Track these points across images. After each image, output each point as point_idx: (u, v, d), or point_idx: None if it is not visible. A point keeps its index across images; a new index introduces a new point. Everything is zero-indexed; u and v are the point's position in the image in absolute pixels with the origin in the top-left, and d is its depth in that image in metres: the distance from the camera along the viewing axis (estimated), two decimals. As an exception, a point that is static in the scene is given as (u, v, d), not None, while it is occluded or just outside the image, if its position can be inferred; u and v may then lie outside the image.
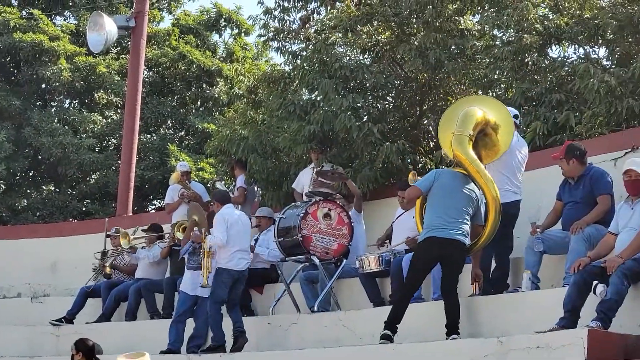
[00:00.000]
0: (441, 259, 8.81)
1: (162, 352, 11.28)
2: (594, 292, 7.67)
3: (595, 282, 7.69)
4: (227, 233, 10.69)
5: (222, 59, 22.01)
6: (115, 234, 13.75)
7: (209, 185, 13.99)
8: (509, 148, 9.22)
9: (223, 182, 14.33)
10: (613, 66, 11.44)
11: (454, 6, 12.78)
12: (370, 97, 13.09)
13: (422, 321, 9.16)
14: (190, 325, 11.48)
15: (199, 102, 21.55)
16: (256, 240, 12.23)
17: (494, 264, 9.38)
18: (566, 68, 11.71)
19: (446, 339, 8.68)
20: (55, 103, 21.69)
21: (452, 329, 8.68)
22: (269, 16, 14.22)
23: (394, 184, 11.82)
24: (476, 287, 9.33)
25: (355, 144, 12.08)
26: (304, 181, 12.24)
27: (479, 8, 12.72)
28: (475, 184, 8.92)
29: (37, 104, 21.10)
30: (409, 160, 12.33)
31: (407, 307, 8.90)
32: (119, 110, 21.00)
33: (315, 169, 12.13)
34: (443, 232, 8.66)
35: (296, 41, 14.13)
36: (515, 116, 9.56)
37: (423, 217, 9.15)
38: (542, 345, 7.59)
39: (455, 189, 8.78)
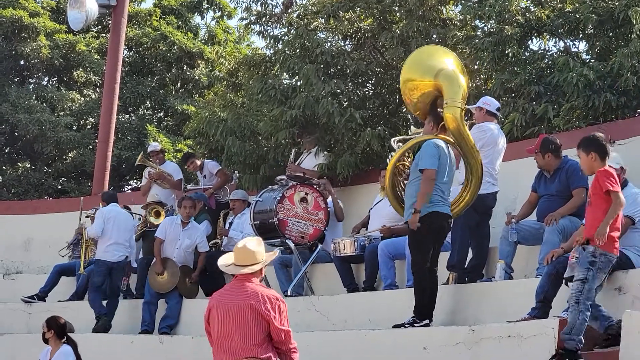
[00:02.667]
0: (438, 233, 8.67)
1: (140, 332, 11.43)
2: (566, 284, 7.72)
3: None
4: (103, 227, 11.84)
5: (203, 41, 21.94)
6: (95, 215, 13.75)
7: (182, 184, 13.94)
8: (493, 140, 9.23)
9: (192, 183, 14.38)
10: (592, 60, 11.51)
11: (437, -5, 12.80)
12: (350, 84, 13.10)
13: (395, 308, 9.19)
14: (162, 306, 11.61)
15: (179, 84, 21.48)
16: (230, 223, 12.23)
17: (470, 254, 9.42)
18: (546, 61, 11.76)
19: (413, 325, 8.64)
20: (34, 80, 21.56)
21: (422, 314, 8.66)
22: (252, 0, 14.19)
23: (373, 169, 11.85)
24: (453, 277, 9.37)
25: (336, 129, 12.09)
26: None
27: (461, -1, 12.76)
28: (465, 157, 8.81)
29: (15, 80, 20.96)
30: (388, 148, 12.36)
31: (429, 286, 8.62)
32: (97, 89, 20.90)
33: (304, 153, 12.18)
34: (443, 208, 8.56)
35: (278, 25, 14.11)
36: (498, 109, 9.59)
37: (395, 190, 9.00)
38: (514, 334, 7.63)
39: (448, 166, 8.64)
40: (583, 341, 6.88)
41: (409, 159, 8.79)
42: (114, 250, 11.93)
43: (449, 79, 8.72)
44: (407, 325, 8.57)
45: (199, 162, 13.57)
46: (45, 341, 9.27)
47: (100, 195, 12.81)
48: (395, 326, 8.67)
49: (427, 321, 8.58)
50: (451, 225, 8.89)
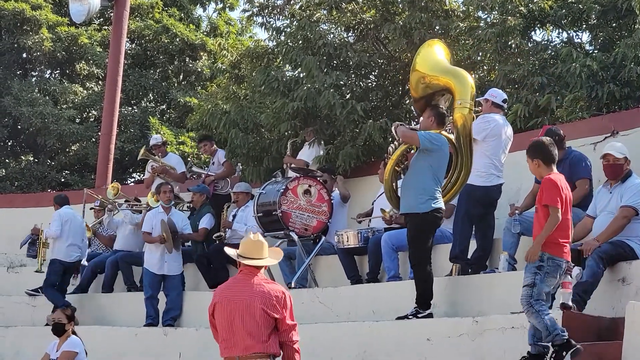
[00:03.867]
0: (436, 227, 8.73)
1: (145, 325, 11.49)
2: (570, 275, 7.73)
3: (571, 265, 7.74)
4: (61, 228, 12.30)
5: (205, 33, 21.92)
6: (99, 207, 13.78)
7: (188, 163, 13.95)
8: (498, 131, 9.22)
9: (197, 166, 14.36)
10: (595, 51, 11.49)
11: (440, -14, 12.78)
12: (353, 75, 13.09)
13: (399, 299, 9.19)
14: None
15: (181, 76, 21.46)
16: (234, 216, 12.24)
17: (472, 245, 9.42)
18: (549, 51, 11.74)
19: (416, 316, 8.65)
20: (36, 73, 21.56)
21: (425, 304, 8.68)
22: (254, -9, 14.17)
23: (375, 161, 11.84)
24: (456, 269, 9.38)
25: (338, 121, 12.09)
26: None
27: (464, -11, 12.74)
28: (463, 155, 8.83)
29: (18, 73, 20.96)
30: (390, 139, 12.35)
31: (430, 277, 8.68)
32: (100, 82, 20.89)
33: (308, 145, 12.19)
34: (442, 204, 8.61)
35: (280, 17, 14.10)
36: (504, 100, 9.58)
37: (394, 185, 9.00)
38: (517, 325, 7.64)
39: (445, 164, 8.68)
40: (565, 329, 6.87)
41: (411, 152, 8.80)
42: (71, 251, 12.45)
43: (460, 79, 8.82)
44: (410, 317, 8.59)
45: (213, 148, 13.50)
46: (58, 333, 9.25)
47: (54, 198, 13.26)
48: (399, 318, 8.69)
49: (430, 311, 8.60)
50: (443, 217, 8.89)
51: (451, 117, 8.84)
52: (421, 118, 9.13)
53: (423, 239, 8.60)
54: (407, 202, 8.63)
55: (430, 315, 8.62)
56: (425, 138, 8.51)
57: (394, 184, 8.86)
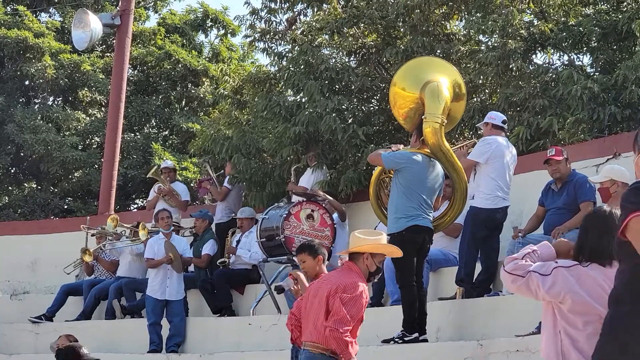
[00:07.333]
0: (420, 247, 8.69)
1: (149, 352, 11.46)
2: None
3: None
4: None
5: (207, 59, 21.99)
6: (99, 234, 13.77)
7: (200, 164, 13.95)
8: (499, 152, 9.22)
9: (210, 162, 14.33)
10: (596, 73, 11.51)
11: (441, 11, 12.82)
12: (355, 100, 13.12)
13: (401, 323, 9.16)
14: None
15: (183, 102, 21.51)
16: (238, 241, 12.23)
17: (478, 268, 9.40)
18: (550, 74, 11.76)
19: (403, 339, 8.61)
20: (39, 100, 21.60)
21: (421, 329, 8.65)
22: (256, 17, 14.22)
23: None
24: (460, 292, 9.35)
25: (339, 145, 12.11)
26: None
27: (465, 13, 12.77)
28: (448, 172, 8.86)
29: (21, 100, 21.01)
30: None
31: (416, 300, 8.69)
32: (102, 109, 20.94)
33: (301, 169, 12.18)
34: (424, 221, 8.57)
35: (282, 42, 14.14)
36: (504, 122, 9.58)
37: (380, 202, 9.03)
38: (522, 348, 7.62)
39: (428, 179, 8.64)
40: None
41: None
42: None
43: (431, 93, 8.76)
44: (397, 340, 8.57)
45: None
46: None
47: None
48: (385, 341, 8.66)
49: (416, 334, 8.56)
50: (432, 239, 8.87)
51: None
52: None
53: (403, 259, 8.45)
54: (388, 224, 8.71)
55: (416, 340, 8.56)
56: (387, 158, 8.59)
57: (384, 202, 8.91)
